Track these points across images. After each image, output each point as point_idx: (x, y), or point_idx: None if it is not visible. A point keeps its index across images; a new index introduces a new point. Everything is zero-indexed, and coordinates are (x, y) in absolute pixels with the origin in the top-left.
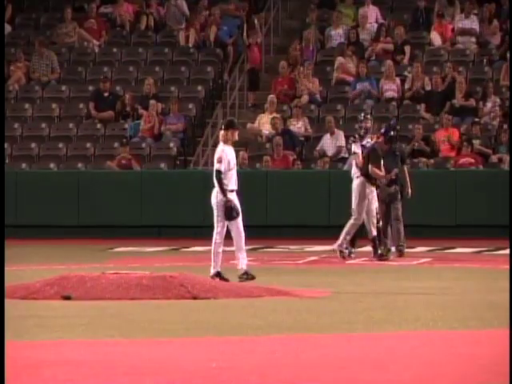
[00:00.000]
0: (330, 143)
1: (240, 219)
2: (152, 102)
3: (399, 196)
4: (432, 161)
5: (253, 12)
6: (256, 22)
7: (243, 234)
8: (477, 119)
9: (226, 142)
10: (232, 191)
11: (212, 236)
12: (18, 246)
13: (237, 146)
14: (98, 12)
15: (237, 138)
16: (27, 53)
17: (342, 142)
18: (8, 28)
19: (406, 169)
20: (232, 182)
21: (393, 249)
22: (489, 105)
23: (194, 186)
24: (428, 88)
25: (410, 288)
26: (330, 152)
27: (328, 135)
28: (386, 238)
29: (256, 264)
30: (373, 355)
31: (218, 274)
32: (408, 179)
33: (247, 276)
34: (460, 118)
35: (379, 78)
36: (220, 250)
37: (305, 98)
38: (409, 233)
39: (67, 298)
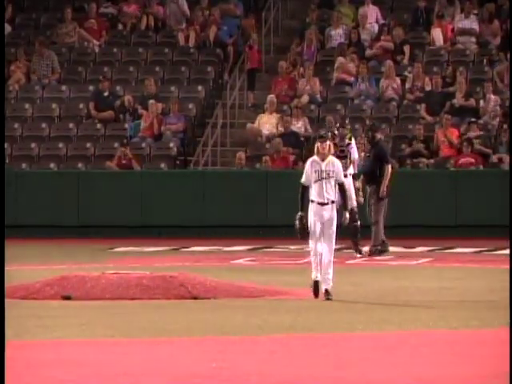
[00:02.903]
0: None
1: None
2: (152, 101)
3: (375, 197)
4: (432, 161)
5: (251, 12)
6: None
7: (328, 253)
8: (477, 119)
9: (316, 153)
10: (321, 204)
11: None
12: (18, 246)
13: (236, 146)
14: (99, 12)
15: (325, 150)
16: (27, 53)
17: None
18: (8, 28)
19: (387, 168)
20: (315, 194)
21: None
22: (489, 105)
23: (194, 186)
24: (428, 88)
25: (409, 288)
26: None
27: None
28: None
29: (256, 264)
30: (373, 355)
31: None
32: (386, 179)
33: (328, 296)
34: (460, 117)
35: (379, 78)
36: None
37: (305, 98)
38: (409, 233)
39: (67, 297)
